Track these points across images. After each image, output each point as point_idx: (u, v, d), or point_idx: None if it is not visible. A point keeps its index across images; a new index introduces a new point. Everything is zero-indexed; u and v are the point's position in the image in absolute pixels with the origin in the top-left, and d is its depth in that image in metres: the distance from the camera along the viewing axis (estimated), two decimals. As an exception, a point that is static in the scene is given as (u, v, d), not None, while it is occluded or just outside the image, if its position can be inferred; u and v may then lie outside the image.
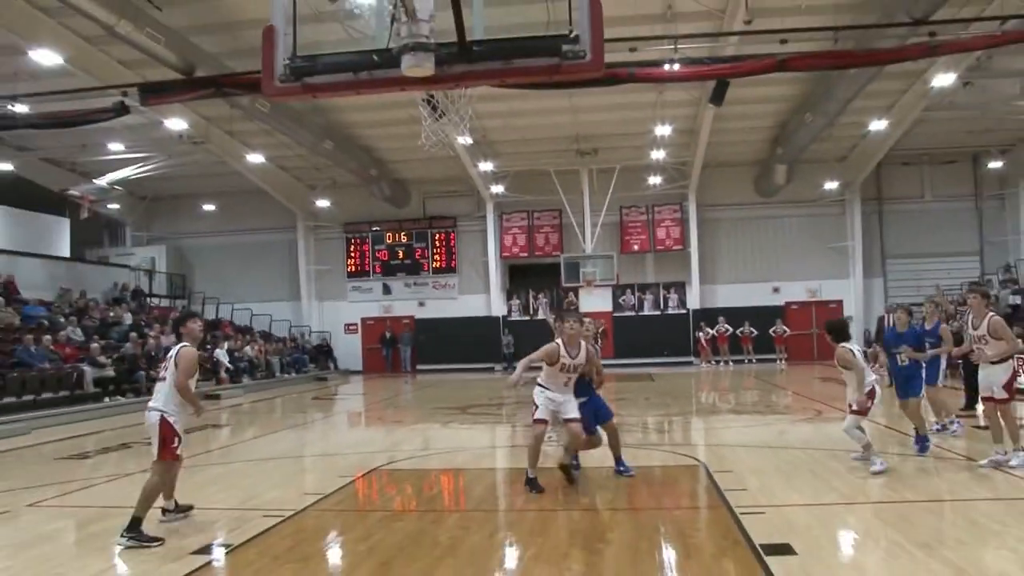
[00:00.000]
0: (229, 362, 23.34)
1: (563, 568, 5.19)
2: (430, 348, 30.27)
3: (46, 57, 15.84)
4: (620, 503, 6.94)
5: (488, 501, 7.72)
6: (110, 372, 18.02)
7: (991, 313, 8.15)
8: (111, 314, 23.59)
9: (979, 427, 10.24)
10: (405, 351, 30.87)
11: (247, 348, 25.77)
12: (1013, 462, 7.73)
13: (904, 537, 5.57)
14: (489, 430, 13.75)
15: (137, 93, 16.18)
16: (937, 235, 28.14)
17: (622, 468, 8.04)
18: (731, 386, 20.70)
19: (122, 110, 16.74)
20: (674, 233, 29.48)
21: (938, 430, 9.89)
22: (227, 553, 5.82)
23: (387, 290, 31.39)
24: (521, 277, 30.80)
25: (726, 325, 27.98)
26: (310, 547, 5.98)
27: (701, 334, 28.30)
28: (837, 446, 8.99)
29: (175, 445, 6.39)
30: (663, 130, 22.71)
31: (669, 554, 5.54)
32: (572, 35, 5.62)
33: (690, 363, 28.72)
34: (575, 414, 7.51)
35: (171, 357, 6.55)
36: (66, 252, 27.37)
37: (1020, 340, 8.64)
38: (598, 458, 8.12)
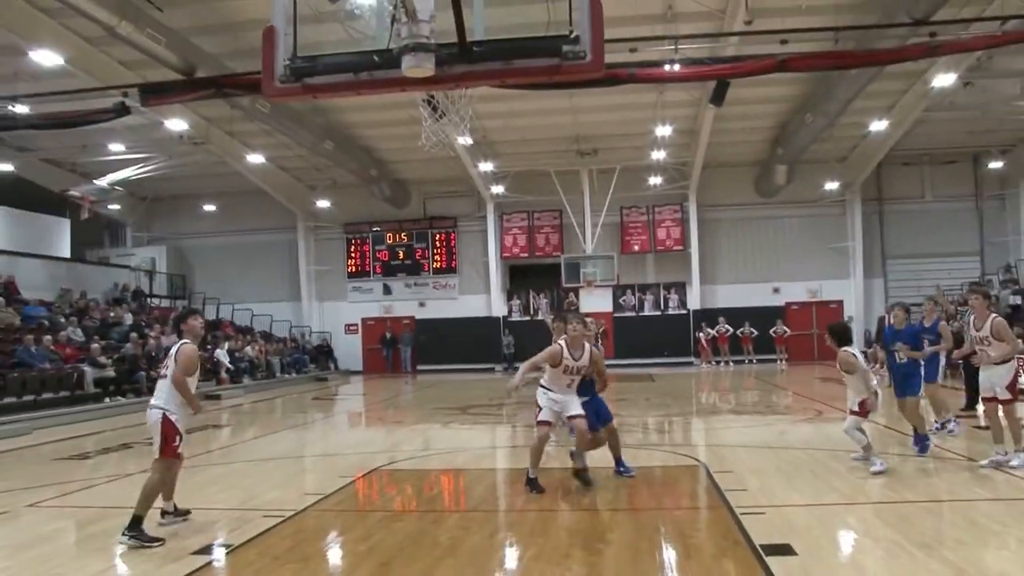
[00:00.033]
0: (229, 362, 23.34)
1: (563, 568, 5.19)
2: (430, 348, 30.27)
3: (47, 58, 15.85)
4: (620, 503, 6.94)
5: (488, 501, 7.72)
6: (110, 372, 18.03)
7: (993, 314, 8.14)
8: (111, 314, 23.60)
9: (979, 427, 10.25)
10: (405, 351, 30.88)
11: (247, 348, 25.77)
12: (1014, 462, 7.72)
13: (904, 537, 5.57)
14: (489, 430, 13.75)
15: (138, 94, 16.20)
16: (937, 235, 28.13)
17: (622, 469, 8.03)
18: (731, 386, 20.70)
19: (122, 111, 16.77)
20: (674, 233, 29.47)
21: (937, 429, 9.88)
22: (227, 553, 5.82)
23: (387, 290, 31.39)
24: (521, 277, 30.80)
25: (726, 325, 27.98)
26: (310, 547, 5.98)
27: (701, 334, 28.29)
28: (837, 446, 9.00)
29: (176, 443, 6.38)
30: (663, 130, 22.71)
31: (669, 554, 5.54)
32: (572, 35, 5.62)
33: (690, 363, 28.72)
34: (579, 411, 7.48)
35: (172, 354, 6.55)
36: (66, 252, 27.38)
37: (1021, 340, 8.60)
38: (598, 459, 8.10)
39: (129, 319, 23.48)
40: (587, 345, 7.60)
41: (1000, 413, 8.14)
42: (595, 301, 28.91)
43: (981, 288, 8.66)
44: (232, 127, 22.53)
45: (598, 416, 7.91)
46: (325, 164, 26.18)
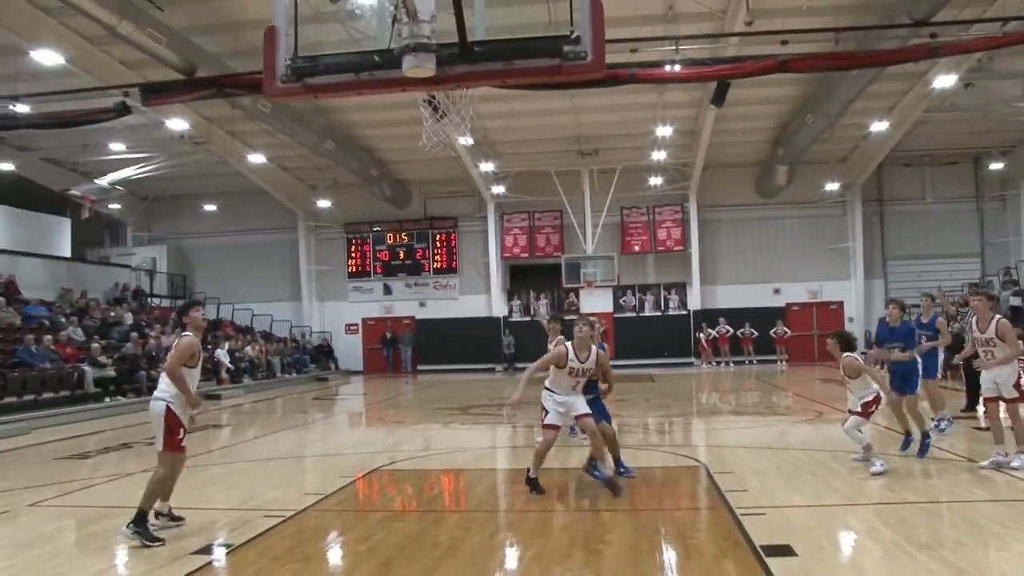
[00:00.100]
0: (230, 362, 23.35)
1: (564, 569, 5.19)
2: (431, 348, 30.27)
3: (47, 57, 15.85)
4: (620, 504, 6.93)
5: (489, 502, 7.72)
6: (111, 372, 18.03)
7: (998, 316, 8.13)
8: (112, 314, 23.61)
9: (980, 429, 10.25)
10: (406, 351, 30.89)
11: (248, 348, 25.78)
12: (1014, 463, 7.71)
13: (904, 538, 5.57)
14: (490, 431, 13.74)
15: (138, 93, 16.20)
16: (938, 236, 28.14)
17: (623, 469, 8.02)
18: (732, 387, 20.69)
19: (123, 110, 16.76)
20: (675, 234, 29.47)
21: (935, 426, 9.87)
22: (228, 553, 5.82)
23: (388, 290, 31.40)
24: (522, 278, 30.81)
25: (727, 326, 27.97)
26: (311, 547, 5.98)
27: (702, 335, 28.29)
28: (838, 447, 8.99)
29: (180, 436, 6.30)
30: (664, 131, 22.72)
31: (669, 555, 5.54)
32: (573, 36, 5.62)
33: (691, 364, 28.73)
34: (585, 409, 7.42)
35: (173, 346, 6.54)
36: (67, 252, 27.38)
37: (1022, 342, 8.58)
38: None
39: (129, 319, 23.49)
40: (594, 347, 7.53)
41: (1002, 413, 8.13)
42: (595, 301, 28.92)
43: (984, 290, 8.65)
44: (233, 127, 22.54)
45: (598, 415, 7.89)
46: (326, 164, 26.20)
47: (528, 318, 29.29)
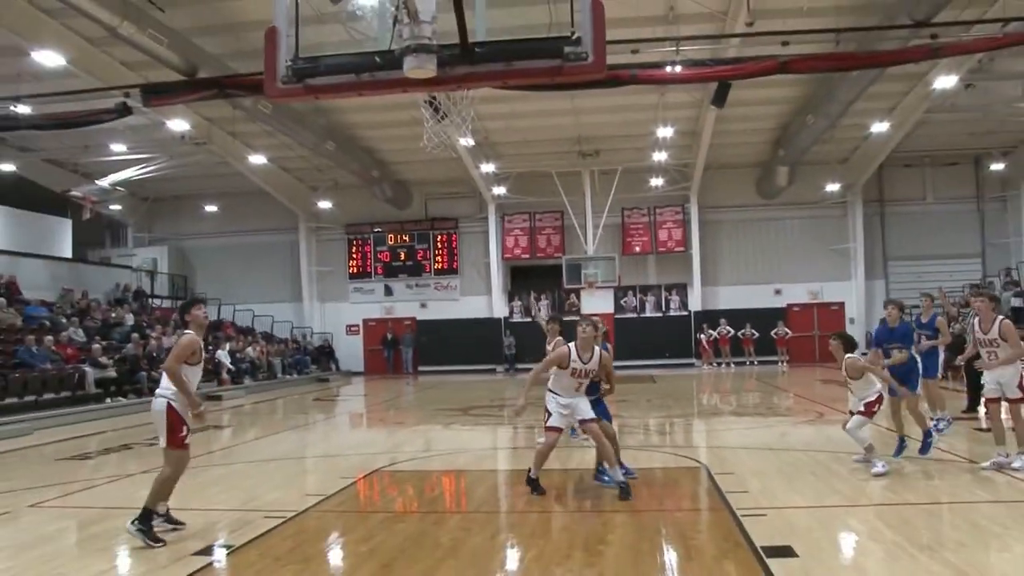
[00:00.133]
0: (231, 363, 23.35)
1: (564, 569, 5.19)
2: (432, 349, 30.27)
3: (49, 58, 15.86)
4: (621, 505, 6.92)
5: (490, 503, 7.71)
6: (112, 373, 18.04)
7: (1000, 317, 8.12)
8: (113, 315, 23.62)
9: (981, 430, 10.25)
10: (407, 352, 30.88)
11: (249, 349, 25.79)
12: (1015, 464, 7.71)
13: (905, 539, 5.57)
14: (491, 432, 13.75)
15: (139, 94, 16.20)
16: (939, 237, 28.13)
17: (623, 470, 7.99)
18: (733, 388, 20.68)
19: (124, 111, 16.76)
20: (676, 235, 29.47)
21: (933, 426, 9.85)
22: (228, 554, 5.82)
23: (389, 291, 31.40)
24: (523, 279, 30.80)
25: (728, 327, 27.95)
26: (311, 548, 5.98)
27: (703, 336, 28.28)
28: (839, 448, 8.99)
29: (183, 434, 6.23)
30: (665, 132, 22.74)
31: (670, 556, 5.54)
32: (574, 37, 5.63)
33: (692, 365, 28.72)
34: (590, 414, 7.38)
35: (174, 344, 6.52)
36: (68, 253, 27.38)
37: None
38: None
39: (130, 319, 23.49)
40: (597, 348, 7.49)
41: (1004, 414, 8.12)
42: (596, 302, 28.91)
43: (987, 291, 8.63)
44: (234, 128, 22.55)
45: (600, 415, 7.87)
46: (327, 165, 26.20)
47: (529, 319, 29.29)
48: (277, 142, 23.78)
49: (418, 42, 5.54)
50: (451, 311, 30.58)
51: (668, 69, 14.74)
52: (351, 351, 31.45)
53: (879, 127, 22.87)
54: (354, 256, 31.42)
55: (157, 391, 6.39)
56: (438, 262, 30.92)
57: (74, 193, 25.03)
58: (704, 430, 13.11)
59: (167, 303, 29.27)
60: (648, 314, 29.78)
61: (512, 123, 23.58)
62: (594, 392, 7.76)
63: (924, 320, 10.36)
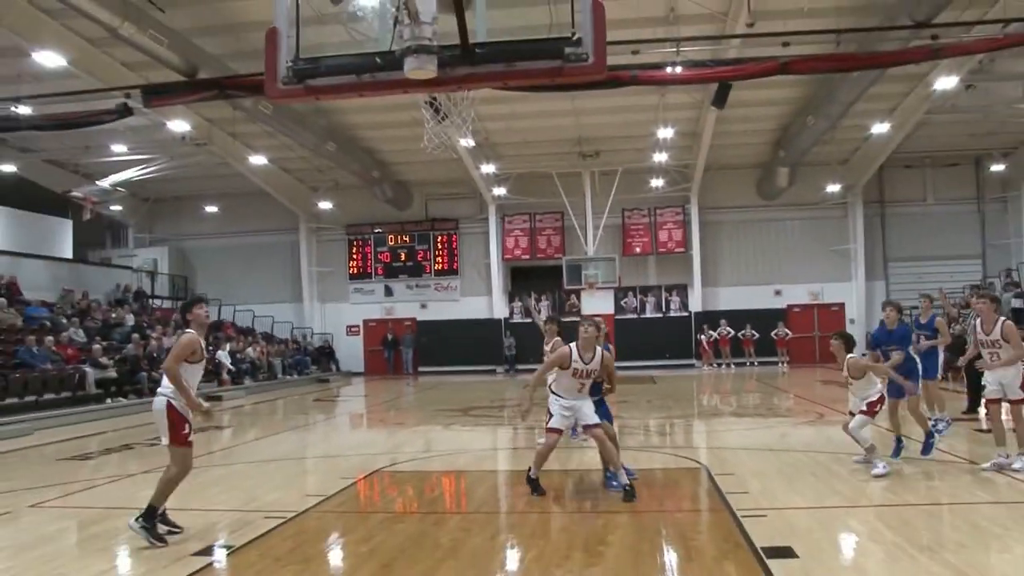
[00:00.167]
0: (231, 363, 23.35)
1: (564, 570, 5.19)
2: (432, 350, 30.26)
3: (49, 59, 15.86)
4: (621, 506, 6.92)
5: (490, 503, 7.71)
6: (112, 373, 18.04)
7: (1002, 318, 8.12)
8: (113, 315, 23.62)
9: (981, 431, 10.25)
10: (407, 353, 30.88)
11: (249, 350, 25.79)
12: (1016, 465, 7.70)
13: (906, 540, 5.57)
14: (491, 432, 13.75)
15: (140, 95, 16.19)
16: (939, 238, 28.12)
17: (624, 470, 7.99)
18: (733, 389, 20.68)
19: (125, 112, 16.76)
20: (676, 236, 29.48)
21: (931, 427, 9.84)
22: (228, 554, 5.82)
23: (389, 292, 31.41)
24: (523, 279, 30.80)
25: (728, 328, 27.94)
26: (312, 549, 5.98)
27: (703, 337, 28.28)
28: (839, 449, 8.99)
29: (186, 431, 6.18)
30: (665, 132, 22.74)
31: (670, 557, 5.54)
32: (574, 37, 5.62)
33: (692, 366, 28.72)
34: (594, 419, 7.34)
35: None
36: (69, 253, 27.40)
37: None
38: (599, 460, 8.10)
39: (131, 320, 23.49)
40: (598, 348, 7.45)
41: (1005, 415, 8.11)
42: (597, 303, 28.91)
43: (989, 292, 8.63)
44: (234, 128, 22.56)
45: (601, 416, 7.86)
46: (327, 165, 26.22)
47: (529, 319, 29.26)
48: (278, 143, 23.79)
49: (418, 43, 5.54)
50: (451, 312, 30.57)
51: (668, 70, 14.74)
52: (351, 352, 31.46)
53: (879, 128, 22.87)
54: (354, 257, 31.43)
55: (159, 390, 6.35)
56: (438, 263, 30.93)
57: (75, 194, 25.03)
58: (704, 431, 13.12)
59: (167, 304, 29.29)
60: (648, 315, 29.79)
61: (512, 124, 23.59)
62: (596, 393, 7.73)
63: (923, 321, 10.36)
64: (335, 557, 5.96)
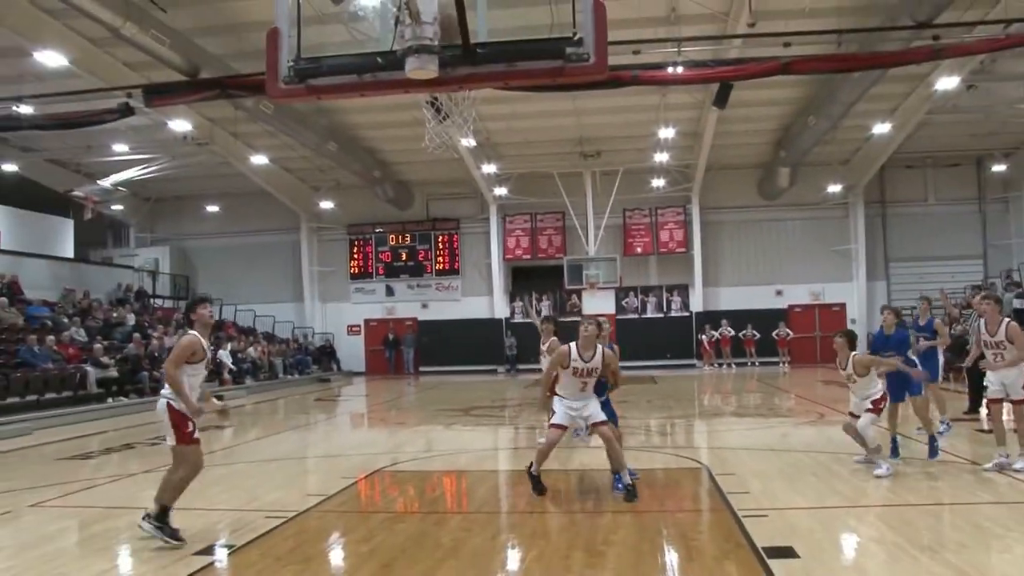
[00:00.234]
0: (232, 363, 23.37)
1: (565, 570, 5.19)
2: (433, 350, 30.27)
3: (51, 59, 15.86)
4: (622, 505, 6.92)
5: (491, 503, 7.71)
6: (113, 373, 18.06)
7: (1006, 319, 8.12)
8: (114, 315, 23.63)
9: (982, 431, 10.24)
10: (408, 353, 30.88)
11: (250, 349, 25.81)
12: (1017, 465, 7.70)
13: (907, 540, 5.56)
14: (492, 432, 13.75)
15: (142, 94, 16.20)
16: (940, 238, 28.11)
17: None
18: (734, 389, 20.67)
19: (127, 111, 16.76)
20: (677, 236, 29.47)
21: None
22: (229, 554, 5.83)
23: (390, 292, 31.41)
24: (524, 279, 30.79)
25: (729, 328, 27.92)
26: (312, 548, 5.98)
27: (704, 337, 28.26)
28: (840, 449, 8.98)
29: (189, 429, 6.12)
30: (666, 133, 22.73)
31: (671, 556, 5.54)
32: (576, 38, 5.63)
33: (693, 366, 28.71)
34: (601, 417, 7.32)
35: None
36: (70, 253, 27.42)
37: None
38: (601, 461, 8.10)
39: (132, 319, 23.50)
40: (599, 347, 7.41)
41: (1006, 416, 8.11)
42: (598, 303, 28.90)
43: (993, 294, 8.62)
44: (236, 128, 22.57)
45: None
46: (328, 165, 26.23)
47: (529, 320, 29.25)
48: (279, 142, 23.81)
49: (420, 43, 5.54)
50: (452, 311, 30.58)
51: (670, 70, 14.74)
52: (352, 351, 31.47)
53: (881, 128, 22.86)
54: (355, 256, 31.44)
55: (161, 391, 6.32)
56: (439, 263, 30.93)
57: (76, 193, 25.04)
58: (705, 431, 13.11)
59: (169, 303, 29.34)
60: (649, 315, 29.80)
61: (513, 124, 23.59)
62: (601, 393, 7.69)
63: (922, 323, 10.37)
64: (336, 557, 5.96)
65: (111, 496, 8.05)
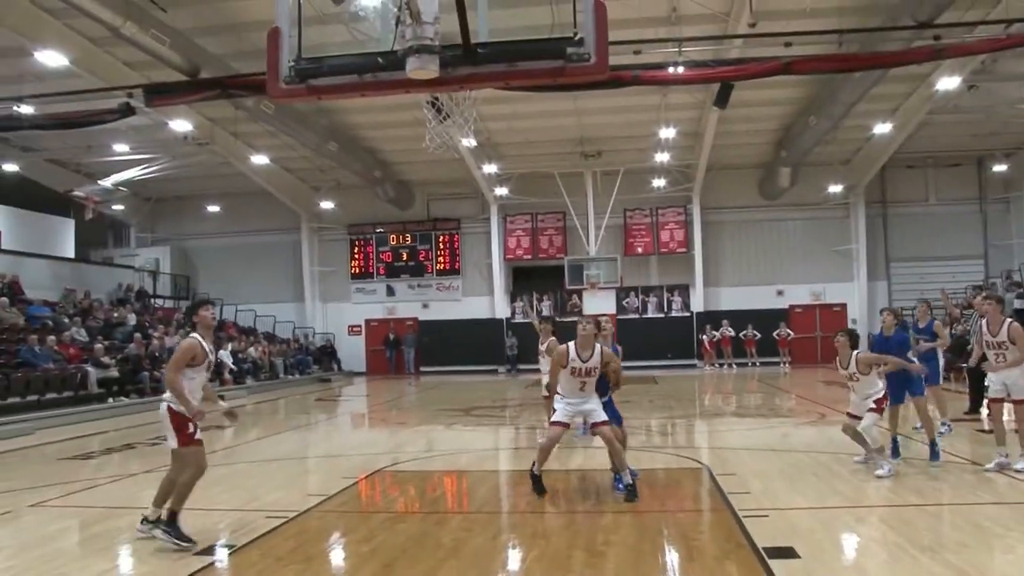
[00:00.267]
0: (233, 363, 23.37)
1: (566, 570, 5.19)
2: (433, 350, 30.27)
3: (51, 58, 15.86)
4: (623, 505, 6.92)
5: (491, 503, 7.72)
6: (114, 373, 18.06)
7: (1009, 319, 8.11)
8: (115, 315, 23.64)
9: (983, 431, 10.24)
10: (409, 353, 30.87)
11: (251, 349, 25.81)
12: (1018, 465, 7.69)
13: (907, 541, 5.56)
14: (492, 432, 13.74)
15: (142, 94, 16.19)
16: (941, 238, 28.09)
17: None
18: (734, 389, 20.67)
19: (127, 111, 16.75)
20: (678, 236, 29.47)
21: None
22: (230, 554, 5.83)
23: (391, 292, 31.41)
24: (525, 279, 30.80)
25: (730, 328, 27.91)
26: (313, 548, 5.98)
27: (705, 337, 28.25)
28: (840, 449, 8.97)
29: (190, 430, 6.10)
30: (667, 133, 22.72)
31: (672, 557, 5.54)
32: (576, 38, 5.63)
33: (694, 366, 28.71)
34: (602, 417, 7.32)
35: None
36: (71, 253, 27.43)
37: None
38: (601, 460, 8.10)
39: (133, 319, 23.50)
40: (598, 346, 7.41)
41: (1007, 416, 8.10)
42: (598, 303, 28.88)
43: (995, 294, 8.62)
44: (236, 128, 22.57)
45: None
46: (329, 165, 26.23)
47: (529, 320, 29.23)
48: (279, 142, 23.81)
49: (420, 43, 5.54)
50: (453, 312, 30.57)
51: (670, 70, 14.73)
52: (353, 351, 31.47)
53: (882, 128, 22.85)
54: (356, 256, 31.44)
55: (163, 395, 6.30)
56: (440, 263, 30.93)
57: (77, 193, 25.04)
58: (706, 431, 13.11)
59: (169, 303, 29.35)
60: (650, 315, 29.78)
61: (514, 124, 23.58)
62: (604, 392, 7.67)
63: (921, 325, 10.36)
64: (337, 557, 5.96)
65: (112, 496, 8.05)
